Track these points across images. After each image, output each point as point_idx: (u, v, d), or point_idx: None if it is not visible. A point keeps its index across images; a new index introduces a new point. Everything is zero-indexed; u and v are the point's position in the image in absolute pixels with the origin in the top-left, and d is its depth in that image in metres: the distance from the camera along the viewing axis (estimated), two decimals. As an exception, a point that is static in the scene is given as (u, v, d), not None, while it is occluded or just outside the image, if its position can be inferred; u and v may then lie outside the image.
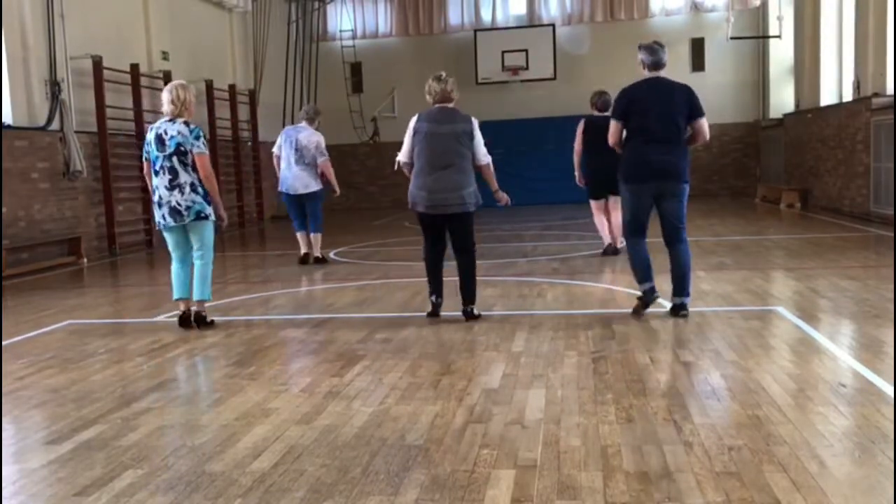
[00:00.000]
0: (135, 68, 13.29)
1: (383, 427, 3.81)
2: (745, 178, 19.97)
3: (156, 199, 6.22)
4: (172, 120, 6.16)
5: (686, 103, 5.89)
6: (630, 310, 6.22)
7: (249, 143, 17.94)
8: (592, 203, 9.63)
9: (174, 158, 6.14)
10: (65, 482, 3.30)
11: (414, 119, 6.17)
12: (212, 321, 6.41)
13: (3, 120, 10.57)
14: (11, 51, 10.89)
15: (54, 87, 11.41)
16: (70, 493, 3.19)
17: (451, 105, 6.17)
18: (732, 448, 3.36)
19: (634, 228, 6.16)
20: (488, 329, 5.89)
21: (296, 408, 4.18)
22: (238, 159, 17.17)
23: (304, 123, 9.86)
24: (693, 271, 8.14)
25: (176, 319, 6.45)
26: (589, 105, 9.70)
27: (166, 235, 6.36)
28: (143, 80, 13.55)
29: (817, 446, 3.35)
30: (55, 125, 11.37)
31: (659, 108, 5.86)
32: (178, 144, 6.12)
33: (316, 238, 9.87)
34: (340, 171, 20.18)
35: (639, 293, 6.20)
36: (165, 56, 14.53)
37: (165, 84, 14.64)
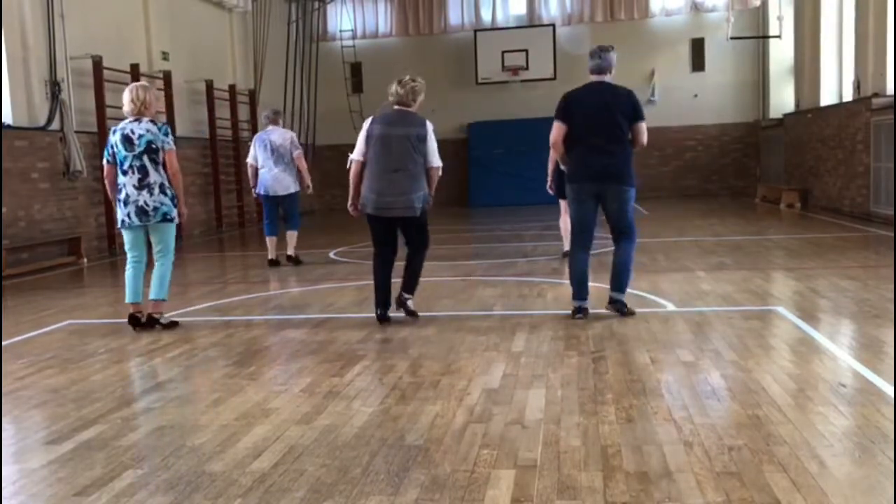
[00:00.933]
0: (135, 68, 13.28)
1: (383, 427, 3.81)
2: (745, 178, 19.98)
3: (122, 196, 6.21)
4: (137, 119, 6.21)
5: (628, 105, 5.93)
6: (629, 310, 6.21)
7: (249, 143, 17.91)
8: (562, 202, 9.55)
9: (144, 157, 6.18)
10: (65, 482, 3.30)
11: (368, 121, 6.19)
12: (172, 322, 6.43)
13: (3, 120, 10.57)
14: (11, 51, 10.89)
15: (54, 87, 11.41)
16: (70, 493, 3.19)
17: (409, 109, 6.18)
18: (732, 448, 3.36)
19: (578, 232, 6.21)
20: (488, 329, 5.89)
21: (296, 408, 4.18)
22: (238, 159, 17.14)
23: (271, 126, 9.96)
24: (693, 271, 8.17)
25: (163, 321, 6.45)
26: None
27: (126, 234, 6.35)
28: (143, 80, 13.52)
29: (817, 446, 3.35)
30: (55, 125, 11.37)
31: (600, 111, 5.91)
32: (149, 142, 6.18)
33: (292, 235, 9.99)
34: (340, 171, 20.29)
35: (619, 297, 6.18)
36: (165, 56, 14.53)
37: (166, 84, 14.71)
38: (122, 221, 6.28)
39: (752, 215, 14.75)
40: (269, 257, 9.90)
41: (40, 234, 11.08)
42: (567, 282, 6.92)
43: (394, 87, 6.18)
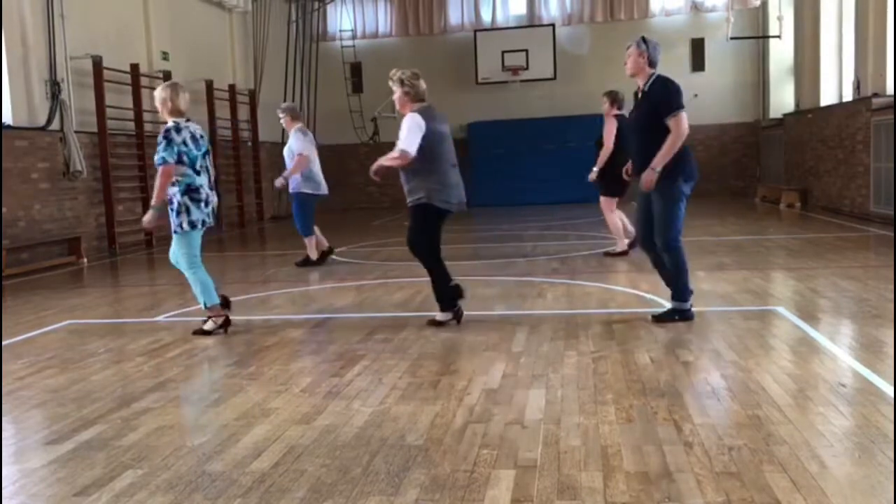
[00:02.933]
0: (135, 68, 13.29)
1: (383, 427, 3.81)
2: (745, 178, 19.97)
3: (202, 196, 6.01)
4: (188, 119, 6.06)
5: None
6: (630, 310, 6.21)
7: (249, 144, 17.94)
8: (612, 201, 9.50)
9: (207, 158, 6.13)
10: (65, 482, 3.30)
11: (416, 116, 5.90)
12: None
13: (3, 120, 10.57)
14: (11, 51, 10.89)
15: (54, 87, 11.41)
16: (70, 493, 3.19)
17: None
18: (732, 448, 3.36)
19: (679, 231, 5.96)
20: (488, 329, 5.89)
21: (296, 408, 4.18)
22: (238, 159, 17.17)
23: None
24: (693, 271, 8.16)
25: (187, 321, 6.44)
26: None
27: (197, 236, 6.11)
28: (143, 80, 13.55)
29: (817, 446, 3.35)
30: (55, 125, 11.38)
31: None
32: (207, 144, 6.18)
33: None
34: (340, 170, 20.33)
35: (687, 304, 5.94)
36: (165, 56, 14.54)
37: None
38: (203, 221, 6.05)
39: (752, 215, 14.75)
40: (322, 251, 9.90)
41: (40, 234, 11.08)
42: (567, 282, 6.93)
43: (417, 83, 5.98)
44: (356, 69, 21.07)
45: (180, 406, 4.34)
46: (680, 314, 5.87)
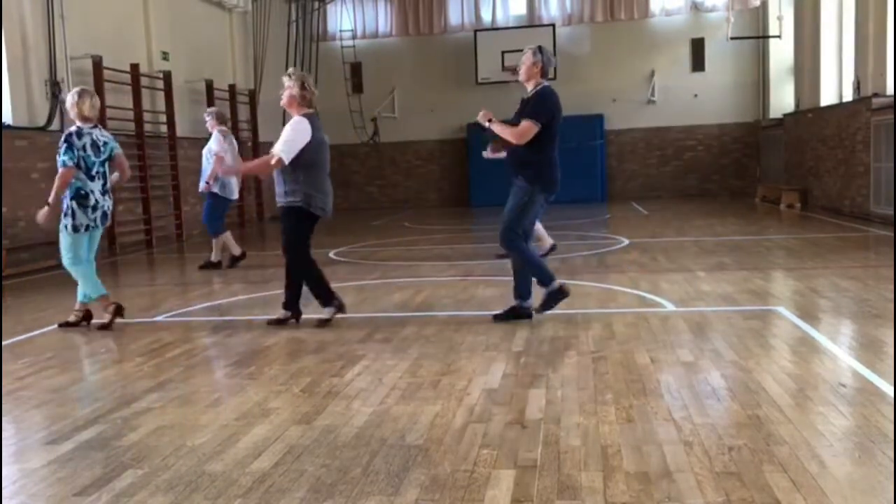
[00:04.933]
0: (135, 68, 13.29)
1: (383, 427, 3.81)
2: (745, 178, 19.97)
3: (90, 202, 6.26)
4: (94, 126, 6.34)
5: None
6: (630, 310, 6.21)
7: (249, 144, 17.94)
8: None
9: (107, 164, 6.40)
10: (65, 482, 3.30)
11: (306, 122, 5.99)
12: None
13: (3, 120, 10.57)
14: (11, 51, 10.88)
15: (54, 87, 11.41)
16: (70, 493, 3.19)
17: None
18: (732, 448, 3.36)
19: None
20: (488, 329, 5.89)
21: (296, 408, 4.18)
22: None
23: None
24: (693, 271, 8.18)
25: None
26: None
27: (85, 239, 6.40)
28: (143, 80, 13.55)
29: (817, 446, 3.35)
30: (55, 125, 11.37)
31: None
32: (112, 149, 6.42)
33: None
34: (340, 170, 20.33)
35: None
36: (165, 56, 14.53)
37: (166, 84, 14.70)
38: (87, 225, 6.33)
39: (752, 215, 14.75)
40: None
41: (40, 234, 11.06)
42: (567, 281, 6.90)
43: (312, 86, 6.11)
44: (356, 69, 21.07)
45: (180, 406, 4.34)
46: (553, 296, 5.99)
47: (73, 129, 6.24)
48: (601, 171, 19.90)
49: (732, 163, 20.09)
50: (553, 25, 19.92)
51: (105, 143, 6.38)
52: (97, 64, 12.23)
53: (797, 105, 17.21)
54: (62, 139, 6.21)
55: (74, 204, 6.22)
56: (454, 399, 4.21)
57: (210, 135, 10.15)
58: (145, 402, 4.40)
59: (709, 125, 20.01)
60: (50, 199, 6.20)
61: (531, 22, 20.39)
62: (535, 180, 5.96)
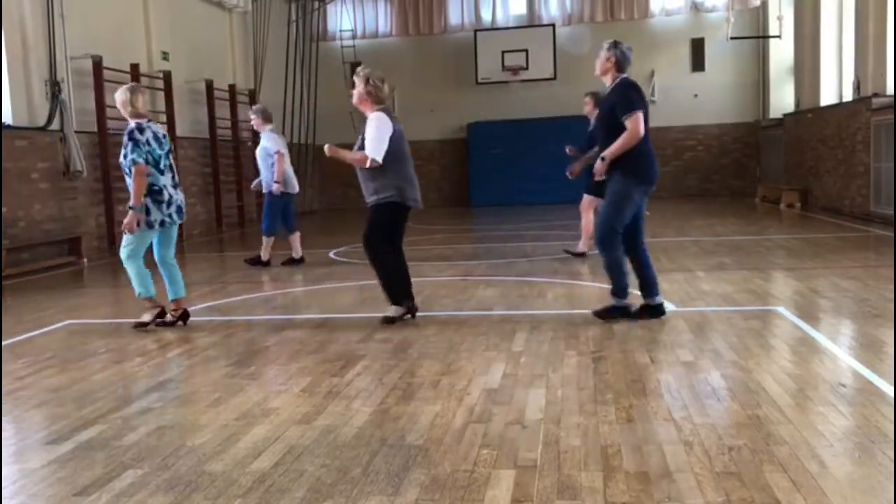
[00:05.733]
0: (135, 68, 13.29)
1: (383, 427, 3.81)
2: (745, 178, 19.98)
3: (164, 197, 6.14)
4: (149, 120, 6.25)
5: None
6: (631, 310, 6.20)
7: (249, 144, 17.93)
8: (596, 201, 9.37)
9: (170, 157, 6.29)
10: (65, 482, 3.30)
11: (383, 115, 6.05)
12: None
13: (3, 120, 10.57)
14: (11, 51, 10.88)
15: (54, 87, 11.40)
16: (70, 493, 3.19)
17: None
18: (732, 448, 3.36)
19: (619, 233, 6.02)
20: (488, 329, 5.89)
21: (296, 408, 4.18)
22: (238, 159, 17.17)
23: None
24: (693, 271, 8.17)
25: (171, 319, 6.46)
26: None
27: (160, 233, 6.31)
28: (143, 80, 13.54)
29: (817, 446, 3.35)
30: (55, 125, 11.37)
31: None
32: (170, 143, 6.35)
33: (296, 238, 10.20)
34: (340, 170, 20.30)
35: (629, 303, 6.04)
36: (165, 56, 14.53)
37: (166, 84, 14.70)
38: (163, 221, 6.18)
39: (752, 215, 14.75)
40: (299, 254, 10.05)
41: (40, 234, 11.07)
42: (567, 282, 6.92)
43: (383, 86, 6.19)
44: (356, 69, 21.07)
45: (180, 406, 4.34)
46: (619, 311, 5.95)
47: (132, 125, 6.04)
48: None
49: (732, 163, 20.09)
50: (553, 25, 19.93)
51: (165, 136, 6.25)
52: (97, 64, 12.23)
53: (797, 105, 17.21)
54: (125, 138, 6.01)
55: (149, 200, 6.07)
56: (454, 399, 4.21)
57: (255, 133, 10.18)
58: (145, 402, 4.40)
59: (709, 125, 20.01)
60: (131, 203, 6.01)
61: (531, 22, 20.40)
62: (630, 172, 5.77)
